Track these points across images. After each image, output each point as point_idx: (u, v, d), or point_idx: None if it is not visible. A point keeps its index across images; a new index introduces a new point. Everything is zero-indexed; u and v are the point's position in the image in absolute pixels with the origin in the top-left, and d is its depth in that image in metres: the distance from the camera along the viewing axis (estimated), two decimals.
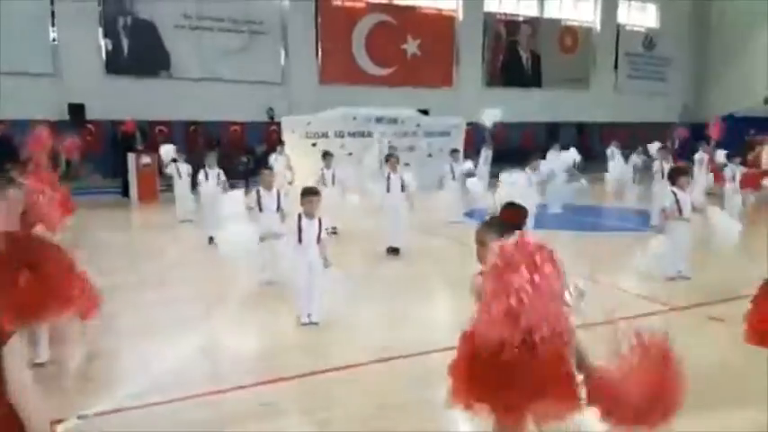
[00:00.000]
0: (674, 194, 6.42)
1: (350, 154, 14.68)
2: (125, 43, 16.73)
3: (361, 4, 19.82)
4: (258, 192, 6.39)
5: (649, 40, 24.89)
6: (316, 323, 5.10)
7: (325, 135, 14.53)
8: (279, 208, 6.32)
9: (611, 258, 7.92)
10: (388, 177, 7.82)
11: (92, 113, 16.12)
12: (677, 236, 6.38)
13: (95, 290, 4.08)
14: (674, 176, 6.52)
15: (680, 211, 6.34)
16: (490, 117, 14.04)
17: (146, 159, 12.31)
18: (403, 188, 7.78)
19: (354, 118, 14.88)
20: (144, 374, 4.27)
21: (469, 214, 10.27)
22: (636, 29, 24.64)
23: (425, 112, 19.08)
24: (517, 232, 2.32)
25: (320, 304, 5.09)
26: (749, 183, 11.19)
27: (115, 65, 16.64)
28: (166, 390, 4.03)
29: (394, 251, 7.86)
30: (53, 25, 15.84)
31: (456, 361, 2.48)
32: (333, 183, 9.05)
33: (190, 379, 4.24)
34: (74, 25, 15.99)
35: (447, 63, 21.29)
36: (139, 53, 16.84)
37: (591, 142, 23.64)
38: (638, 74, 24.76)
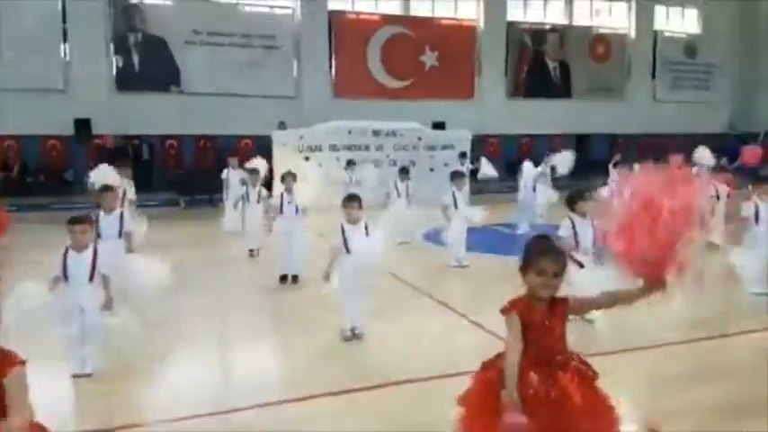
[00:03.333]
0: (572, 222, 5.35)
1: (345, 168, 14.29)
2: (136, 59, 17.00)
3: (376, 17, 19.48)
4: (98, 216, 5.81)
5: (691, 46, 23.35)
6: (89, 374, 4.32)
7: (318, 149, 14.15)
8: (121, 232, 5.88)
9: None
10: (281, 196, 7.25)
11: (100, 129, 16.39)
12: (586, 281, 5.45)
13: None
14: (573, 201, 5.43)
15: (577, 243, 5.24)
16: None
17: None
18: (297, 210, 7.16)
19: (350, 131, 14.45)
20: None
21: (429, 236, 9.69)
22: (676, 35, 23.18)
23: (441, 126, 18.50)
24: None
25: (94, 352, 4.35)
26: None
27: (125, 81, 16.91)
28: None
29: (284, 279, 7.11)
30: (65, 42, 16.28)
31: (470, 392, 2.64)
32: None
33: None
34: (85, 42, 16.40)
35: (468, 74, 20.61)
36: (150, 69, 17.06)
37: (626, 155, 22.33)
38: (679, 83, 23.27)
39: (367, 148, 14.61)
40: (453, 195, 7.76)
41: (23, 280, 3.86)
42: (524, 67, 21.35)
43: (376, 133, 14.73)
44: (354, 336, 5.12)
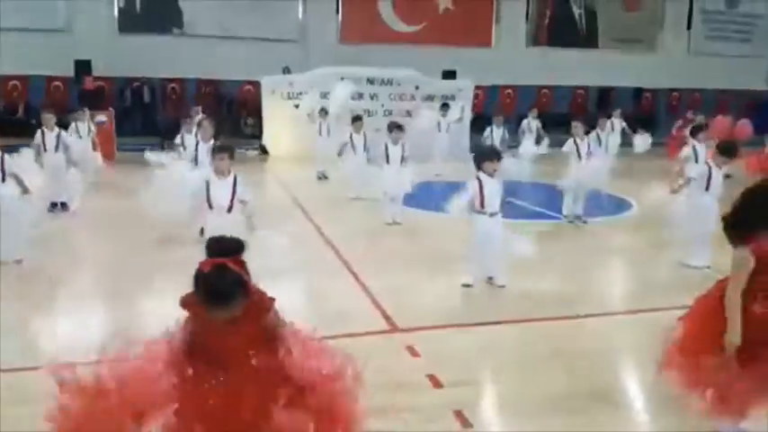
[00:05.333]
0: (479, 181, 5.04)
1: (338, 117, 13.87)
2: (138, 0, 16.71)
3: None
4: None
5: None
6: None
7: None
8: None
9: None
10: (197, 142, 6.81)
11: (101, 70, 16.28)
12: (476, 230, 5.09)
13: None
14: (480, 160, 5.10)
15: (482, 203, 5.02)
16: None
17: (101, 117, 12.07)
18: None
19: (342, 78, 13.91)
20: None
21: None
22: None
23: (452, 75, 17.75)
24: None
25: None
26: None
27: (127, 22, 16.69)
28: None
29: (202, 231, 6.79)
30: None
31: None
32: None
33: None
34: None
35: (485, 19, 19.57)
36: (152, 10, 16.78)
37: (656, 110, 21.17)
38: (717, 34, 21.60)
39: (360, 96, 14.11)
40: (386, 149, 7.31)
41: None
42: (547, 12, 20.14)
43: (370, 81, 14.20)
44: None
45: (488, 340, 4.29)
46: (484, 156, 5.14)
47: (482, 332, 4.41)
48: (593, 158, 7.78)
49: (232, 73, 17.26)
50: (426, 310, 4.80)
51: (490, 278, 5.18)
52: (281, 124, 13.37)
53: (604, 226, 7.96)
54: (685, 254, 5.89)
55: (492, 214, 5.05)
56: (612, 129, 11.82)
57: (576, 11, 20.34)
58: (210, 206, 4.77)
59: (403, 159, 7.28)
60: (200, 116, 9.79)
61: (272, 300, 2.26)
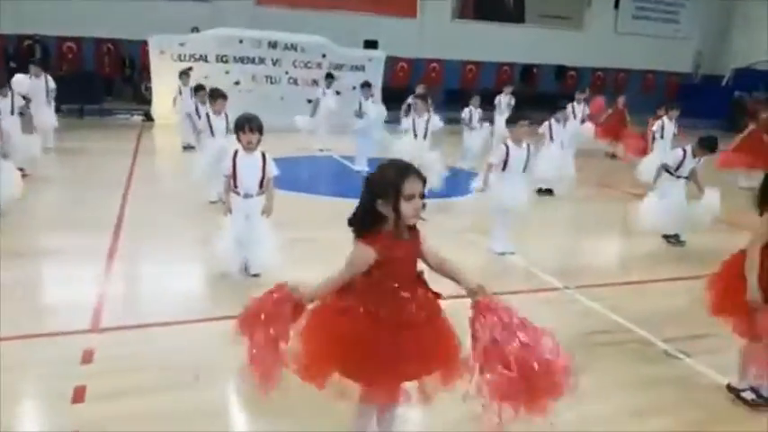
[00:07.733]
0: (234, 155, 4.48)
1: (237, 83, 13.09)
2: None
3: None
4: None
5: None
6: None
7: (203, 58, 12.87)
8: None
9: None
10: None
11: None
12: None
13: None
14: (236, 132, 4.45)
15: (236, 179, 4.44)
16: None
17: None
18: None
19: (241, 41, 13.12)
20: None
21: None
22: None
23: (373, 45, 17.11)
24: None
25: None
26: None
27: None
28: None
29: None
30: None
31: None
32: None
33: None
34: None
35: None
36: None
37: (579, 89, 20.96)
38: (644, 14, 21.50)
39: (262, 61, 13.37)
40: (208, 120, 6.56)
41: None
42: None
43: (272, 45, 13.39)
44: None
45: (197, 341, 3.64)
46: (237, 125, 4.32)
47: (190, 331, 3.78)
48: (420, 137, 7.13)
49: (135, 32, 16.09)
50: (152, 305, 4.16)
51: (246, 267, 4.52)
52: (171, 88, 12.48)
53: (439, 209, 6.73)
54: (492, 239, 5.57)
55: (246, 196, 4.39)
56: (500, 106, 11.43)
57: None
58: None
59: (228, 131, 6.35)
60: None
61: None
